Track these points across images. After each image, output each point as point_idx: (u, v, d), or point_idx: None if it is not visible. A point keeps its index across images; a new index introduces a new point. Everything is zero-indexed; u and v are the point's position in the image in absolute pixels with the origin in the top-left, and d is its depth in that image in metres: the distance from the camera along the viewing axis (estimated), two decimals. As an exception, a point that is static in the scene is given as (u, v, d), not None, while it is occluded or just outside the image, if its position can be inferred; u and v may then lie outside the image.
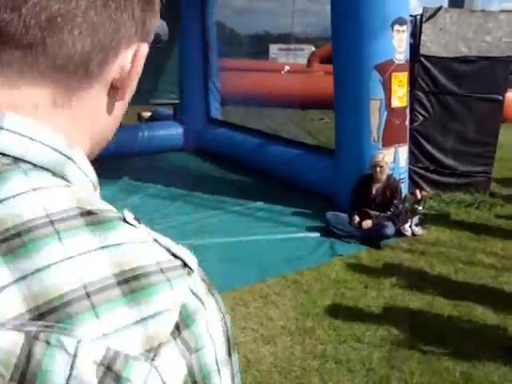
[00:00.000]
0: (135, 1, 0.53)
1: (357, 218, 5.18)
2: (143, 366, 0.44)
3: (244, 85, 8.50)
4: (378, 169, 5.18)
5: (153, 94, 8.44)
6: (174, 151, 8.61)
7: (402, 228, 5.27)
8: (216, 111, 8.76)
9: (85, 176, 0.53)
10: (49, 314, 0.42)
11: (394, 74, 5.28)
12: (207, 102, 8.63)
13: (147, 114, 10.42)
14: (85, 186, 0.53)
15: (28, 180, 0.47)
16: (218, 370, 0.51)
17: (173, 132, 8.64)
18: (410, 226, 5.30)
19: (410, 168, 5.97)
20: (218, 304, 0.53)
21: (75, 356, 0.42)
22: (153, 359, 0.45)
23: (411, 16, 6.22)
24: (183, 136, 8.66)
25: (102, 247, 0.45)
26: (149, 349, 0.44)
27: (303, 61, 17.47)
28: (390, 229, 5.09)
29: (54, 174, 0.49)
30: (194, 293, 0.49)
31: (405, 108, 5.51)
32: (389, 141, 5.43)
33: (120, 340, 0.43)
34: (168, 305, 0.46)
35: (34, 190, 0.46)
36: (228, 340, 0.54)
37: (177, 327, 0.47)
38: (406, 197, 5.63)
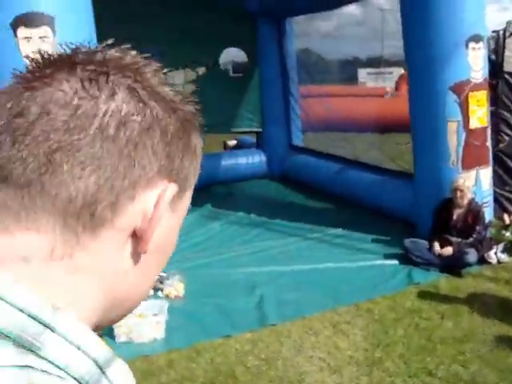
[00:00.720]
0: (156, 133, 0.46)
1: (437, 246, 4.97)
2: None
3: (324, 111, 8.53)
4: (459, 193, 4.97)
5: (235, 122, 8.69)
6: (258, 178, 8.79)
7: (486, 255, 4.99)
8: (298, 138, 8.84)
9: (74, 349, 0.41)
10: None
11: (471, 94, 5.08)
12: (289, 129, 8.74)
13: (233, 143, 10.73)
14: (64, 363, 0.40)
15: None
16: None
17: (256, 160, 8.82)
18: (496, 253, 5.00)
19: (495, 191, 5.65)
20: None
21: None
22: None
23: (494, 32, 5.98)
24: (266, 163, 8.82)
25: None
26: None
27: (392, 84, 17.18)
28: (472, 256, 4.83)
29: (20, 345, 0.39)
30: None
31: (485, 128, 5.25)
32: (469, 163, 5.20)
33: None
34: None
35: None
36: None
37: None
38: (490, 222, 5.34)
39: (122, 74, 0.46)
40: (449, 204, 5.09)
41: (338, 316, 4.18)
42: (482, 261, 4.95)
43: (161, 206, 0.47)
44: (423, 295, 4.47)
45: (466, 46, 5.05)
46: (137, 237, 0.47)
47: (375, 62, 21.05)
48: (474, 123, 5.16)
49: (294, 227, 6.32)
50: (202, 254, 5.42)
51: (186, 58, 8.06)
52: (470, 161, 5.21)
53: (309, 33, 10.09)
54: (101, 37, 6.25)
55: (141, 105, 0.46)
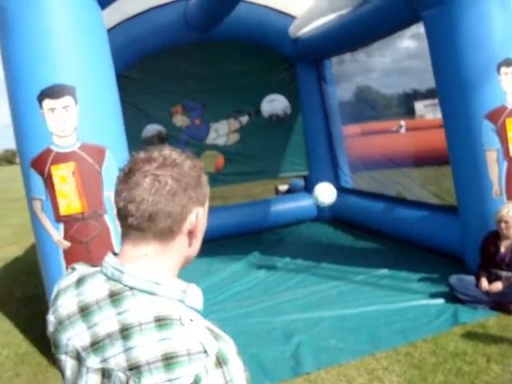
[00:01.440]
0: (189, 190, 1.05)
1: (484, 282, 4.69)
2: None
3: (370, 149, 8.40)
4: (503, 224, 4.70)
5: (281, 167, 8.72)
6: (309, 222, 8.72)
7: (541, 289, 4.63)
8: (345, 179, 8.73)
9: (172, 291, 1.04)
10: (133, 369, 0.96)
11: (508, 120, 4.86)
12: (336, 171, 8.66)
13: (284, 188, 10.75)
14: (170, 295, 1.03)
15: (134, 300, 1.02)
16: None
17: (305, 203, 8.75)
18: (552, 287, 4.62)
19: (549, 219, 5.28)
20: (222, 374, 0.95)
21: None
22: None
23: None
24: (316, 206, 8.73)
25: (161, 339, 0.96)
26: None
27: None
28: (523, 291, 4.51)
29: (150, 293, 1.02)
30: (205, 367, 0.94)
31: (528, 154, 4.98)
32: (514, 192, 4.93)
33: None
34: (185, 373, 0.94)
35: (136, 306, 1.01)
36: None
37: None
38: (544, 252, 4.97)
39: (164, 167, 1.05)
40: (495, 236, 4.82)
41: (376, 362, 4.00)
42: (537, 296, 4.60)
43: (199, 218, 1.09)
44: (469, 336, 4.19)
45: (498, 71, 4.87)
46: (191, 234, 1.09)
47: (434, 93, 20.56)
48: (515, 150, 4.92)
49: (340, 270, 6.18)
50: (243, 303, 5.40)
51: (228, 108, 8.29)
52: (515, 190, 4.94)
53: (365, 70, 10.02)
54: (147, 92, 6.54)
55: (179, 182, 1.05)
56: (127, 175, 1.05)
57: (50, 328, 1.15)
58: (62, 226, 3.87)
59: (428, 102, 20.73)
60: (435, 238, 6.04)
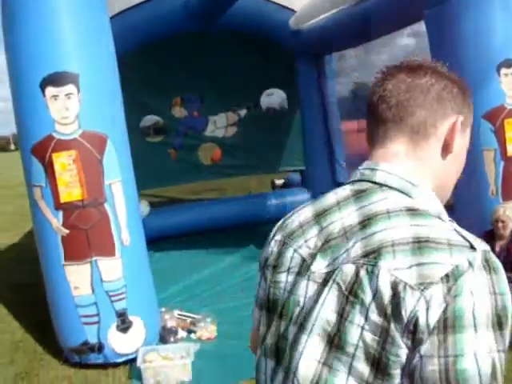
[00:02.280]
0: (446, 93, 0.96)
1: (478, 280, 4.74)
2: (415, 293, 0.78)
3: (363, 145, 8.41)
4: (500, 224, 4.74)
5: (279, 162, 8.73)
6: (304, 217, 8.71)
7: (534, 288, 4.68)
8: (343, 174, 8.75)
9: (428, 197, 0.93)
10: (370, 255, 0.84)
11: (507, 121, 4.89)
12: (332, 166, 8.67)
13: (280, 182, 10.77)
14: (425, 200, 0.92)
15: (383, 194, 0.93)
16: (474, 326, 0.76)
17: (300, 198, 8.75)
18: (545, 286, 4.68)
19: (543, 220, 5.33)
20: (490, 281, 0.79)
21: (377, 277, 0.82)
22: (422, 290, 0.78)
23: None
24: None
25: (411, 225, 0.85)
26: (421, 283, 0.78)
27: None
28: (517, 290, 4.56)
29: (401, 192, 0.92)
30: (469, 261, 0.79)
31: (525, 155, 5.03)
32: (510, 193, 4.97)
33: (404, 273, 0.80)
34: (439, 260, 0.79)
35: (385, 199, 0.92)
36: (497, 316, 0.77)
37: (446, 276, 0.78)
38: (538, 253, 5.02)
39: (427, 69, 0.98)
40: (491, 236, 4.86)
41: None
42: (530, 295, 4.64)
43: (457, 125, 0.95)
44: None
45: (498, 72, 4.90)
46: (446, 146, 0.96)
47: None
48: (512, 150, 4.96)
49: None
50: (239, 296, 5.42)
51: (227, 101, 8.27)
52: (511, 190, 4.98)
53: (364, 66, 10.01)
54: (146, 82, 6.51)
55: (438, 80, 0.97)
56: (385, 77, 1.00)
57: (273, 248, 1.11)
58: (61, 214, 3.87)
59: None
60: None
